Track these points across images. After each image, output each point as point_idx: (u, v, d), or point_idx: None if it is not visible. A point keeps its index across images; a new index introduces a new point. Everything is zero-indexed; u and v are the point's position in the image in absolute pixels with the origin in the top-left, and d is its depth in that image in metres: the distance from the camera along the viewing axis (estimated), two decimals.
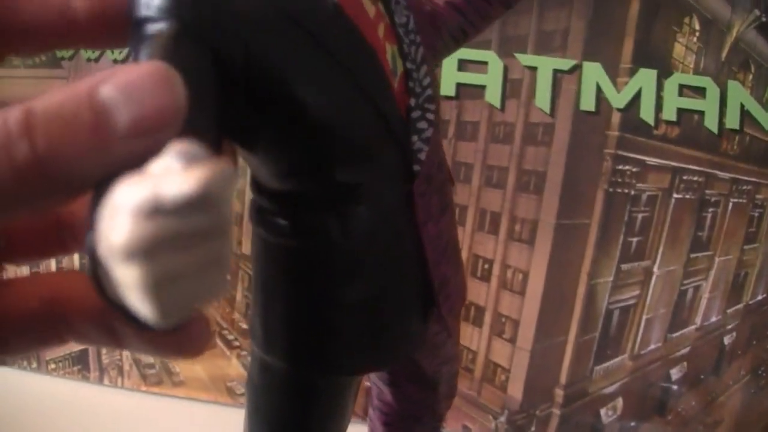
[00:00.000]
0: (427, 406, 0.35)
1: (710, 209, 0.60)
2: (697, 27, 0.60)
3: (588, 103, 0.58)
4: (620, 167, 0.59)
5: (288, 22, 0.21)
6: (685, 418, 0.61)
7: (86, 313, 0.18)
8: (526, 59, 0.59)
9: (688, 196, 0.60)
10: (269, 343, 0.28)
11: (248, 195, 0.27)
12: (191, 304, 0.13)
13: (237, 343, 0.63)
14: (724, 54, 0.60)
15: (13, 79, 0.64)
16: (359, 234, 0.25)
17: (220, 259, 0.13)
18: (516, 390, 0.60)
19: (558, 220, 0.59)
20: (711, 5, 0.60)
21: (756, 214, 0.60)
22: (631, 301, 0.60)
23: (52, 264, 0.57)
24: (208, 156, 0.13)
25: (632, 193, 0.59)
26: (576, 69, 0.58)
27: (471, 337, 0.60)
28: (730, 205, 0.60)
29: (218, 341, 0.64)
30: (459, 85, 0.59)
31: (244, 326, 0.63)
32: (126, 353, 0.63)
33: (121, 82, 0.14)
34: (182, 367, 0.63)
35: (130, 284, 0.12)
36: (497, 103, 0.59)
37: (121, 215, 0.12)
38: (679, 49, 0.59)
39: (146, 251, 0.11)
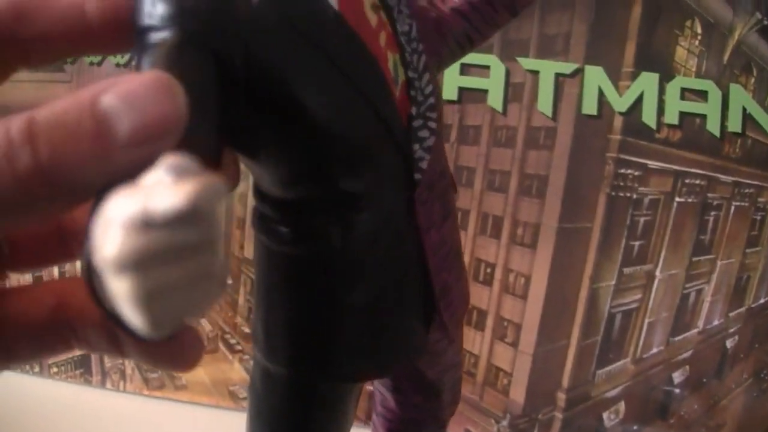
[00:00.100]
0: (430, 413, 0.35)
1: (712, 213, 0.60)
2: (699, 30, 0.60)
3: (590, 107, 0.58)
4: (622, 171, 0.59)
5: (289, 28, 0.21)
6: (688, 422, 0.61)
7: (90, 321, 0.18)
8: (528, 63, 0.59)
9: (690, 200, 0.60)
10: (271, 349, 0.28)
11: (251, 199, 0.27)
12: (182, 316, 0.13)
13: (239, 347, 0.63)
14: (725, 57, 0.60)
15: (15, 83, 0.64)
16: (361, 242, 0.25)
17: (211, 273, 0.13)
18: (518, 394, 0.60)
19: (560, 224, 0.59)
20: (713, 8, 0.60)
21: (758, 218, 0.60)
22: (634, 305, 0.60)
23: (55, 271, 0.57)
24: (200, 170, 0.13)
25: (634, 196, 0.59)
26: (578, 73, 0.58)
27: (473, 341, 0.60)
28: (733, 208, 0.60)
29: (221, 345, 0.64)
30: (461, 89, 0.59)
31: (247, 330, 0.63)
32: None
33: (123, 90, 0.14)
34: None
35: (122, 295, 0.12)
36: (499, 107, 0.59)
37: (113, 228, 0.12)
38: (680, 53, 0.59)
39: (137, 264, 0.12)
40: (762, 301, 0.61)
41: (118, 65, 0.63)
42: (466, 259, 0.59)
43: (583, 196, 0.59)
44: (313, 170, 0.24)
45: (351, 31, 0.23)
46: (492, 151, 0.59)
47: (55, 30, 0.18)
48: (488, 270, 0.60)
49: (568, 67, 0.58)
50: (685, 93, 0.59)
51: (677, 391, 0.60)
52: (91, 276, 0.13)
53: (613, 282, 0.59)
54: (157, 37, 0.19)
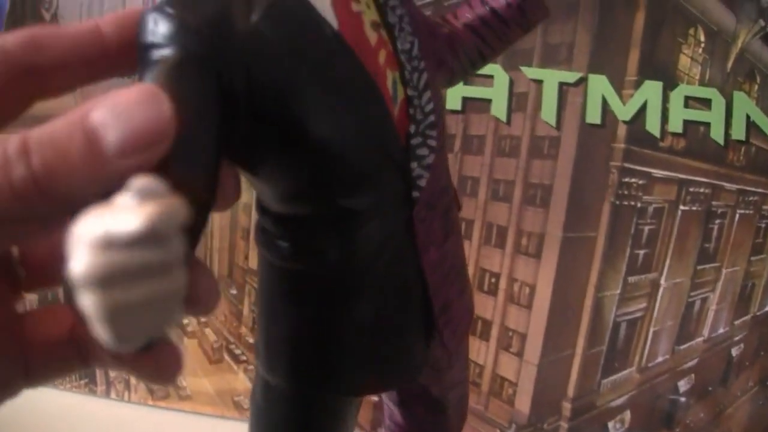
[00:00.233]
0: (437, 428, 0.35)
1: (717, 221, 0.60)
2: (702, 38, 0.60)
3: (594, 116, 0.58)
4: (626, 180, 0.59)
5: (288, 48, 0.21)
6: (693, 430, 0.60)
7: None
8: (531, 72, 0.59)
9: (694, 208, 0.59)
10: (271, 363, 0.28)
11: (255, 211, 0.27)
12: (146, 333, 0.14)
13: (244, 358, 0.63)
14: (729, 65, 0.60)
15: None
16: (360, 258, 0.25)
17: (172, 292, 0.13)
18: (523, 404, 0.60)
19: (564, 233, 0.58)
20: (716, 16, 0.60)
21: (763, 225, 0.60)
22: (639, 314, 0.60)
23: None
24: (166, 193, 0.13)
25: (639, 205, 0.59)
26: (582, 82, 0.58)
27: (478, 351, 0.60)
28: (737, 216, 0.60)
29: (225, 356, 0.63)
30: (465, 99, 0.59)
31: (251, 340, 0.63)
32: None
33: (110, 104, 0.15)
34: (189, 381, 0.63)
35: (88, 310, 0.13)
36: (503, 117, 0.59)
37: (79, 246, 0.13)
38: (684, 61, 0.59)
39: (100, 281, 0.12)
40: (767, 308, 0.60)
41: None
42: (471, 269, 0.58)
43: (588, 205, 0.59)
44: (311, 187, 0.24)
45: (349, 51, 0.23)
46: (496, 161, 0.59)
47: (72, 57, 0.19)
48: (493, 280, 0.60)
49: (571, 76, 0.58)
50: (688, 101, 0.59)
51: (683, 399, 0.60)
52: (69, 291, 0.14)
53: (618, 291, 0.59)
54: (158, 54, 0.19)
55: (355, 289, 0.26)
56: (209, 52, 0.20)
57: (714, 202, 0.60)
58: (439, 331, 0.28)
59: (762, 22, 0.60)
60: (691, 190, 0.59)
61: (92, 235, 0.12)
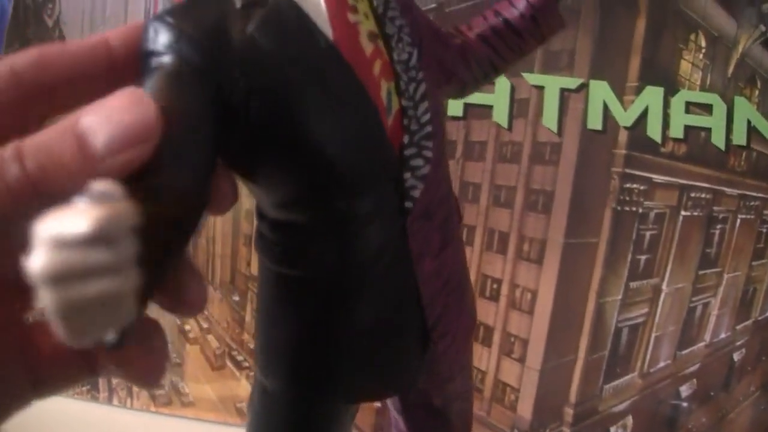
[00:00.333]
0: None
1: (718, 226, 0.60)
2: (703, 44, 0.60)
3: (595, 122, 0.58)
4: (628, 185, 0.59)
5: (282, 58, 0.22)
6: None
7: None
8: (533, 78, 0.59)
9: (696, 213, 0.60)
10: (268, 367, 0.28)
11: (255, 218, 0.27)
12: (100, 330, 0.14)
13: (246, 364, 0.63)
14: (730, 70, 0.60)
15: None
16: (356, 265, 0.25)
17: (123, 292, 0.14)
18: (525, 409, 0.60)
19: (566, 239, 0.59)
20: (716, 22, 0.60)
21: (764, 230, 0.60)
22: (640, 319, 0.60)
23: None
24: (120, 197, 0.14)
25: (640, 211, 0.59)
26: (583, 88, 0.59)
27: (480, 357, 0.60)
28: (738, 221, 0.60)
29: (228, 362, 0.64)
30: (466, 105, 0.59)
31: (254, 347, 0.63)
32: None
33: (98, 109, 0.16)
34: (192, 388, 0.63)
35: (44, 306, 0.14)
36: (504, 123, 0.59)
37: (36, 245, 0.13)
38: (685, 66, 0.59)
39: (53, 278, 0.13)
40: None
41: None
42: (473, 275, 0.59)
43: (589, 210, 0.59)
44: (307, 195, 0.24)
45: (342, 61, 0.23)
46: (497, 167, 0.60)
47: (78, 73, 0.19)
48: (494, 286, 0.60)
49: (573, 82, 0.59)
50: (689, 106, 0.59)
51: (685, 404, 0.60)
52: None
53: (620, 296, 0.59)
54: (157, 61, 0.20)
55: (351, 295, 0.26)
56: (206, 60, 0.20)
57: (715, 208, 0.60)
58: (433, 342, 0.28)
59: (763, 28, 0.60)
60: (693, 195, 0.59)
61: (46, 235, 0.13)
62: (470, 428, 0.36)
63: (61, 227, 0.13)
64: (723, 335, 0.60)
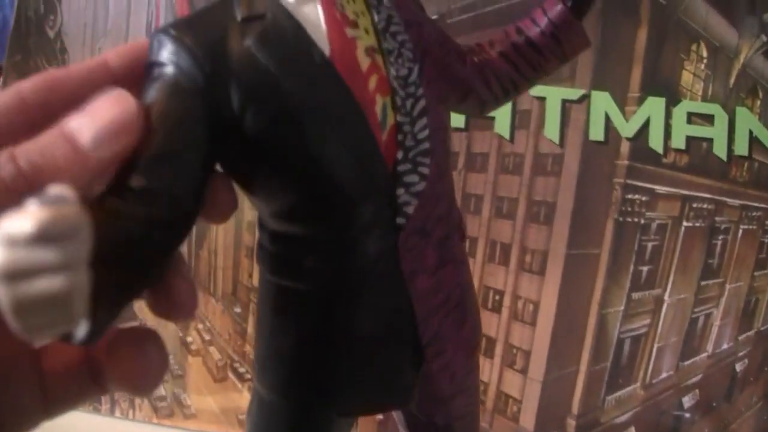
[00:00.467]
0: None
1: (720, 236, 0.60)
2: (705, 54, 0.60)
3: (597, 133, 0.58)
4: (630, 196, 0.59)
5: (278, 72, 0.22)
6: None
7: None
8: (534, 89, 0.59)
9: (698, 224, 0.60)
10: (265, 377, 0.28)
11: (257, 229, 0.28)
12: (53, 325, 0.15)
13: (248, 376, 0.63)
14: (731, 80, 0.60)
15: None
16: (349, 280, 0.26)
17: (72, 289, 0.15)
18: (528, 421, 0.60)
19: (568, 250, 0.59)
20: (718, 32, 0.60)
21: (766, 241, 0.60)
22: (643, 330, 0.60)
23: None
24: (69, 200, 0.15)
25: (642, 221, 0.59)
26: (584, 99, 0.59)
27: (482, 368, 0.60)
28: (740, 231, 0.60)
29: (230, 374, 0.63)
30: (468, 117, 0.59)
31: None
32: None
33: (84, 111, 0.18)
34: (194, 400, 0.63)
35: (1, 303, 0.14)
36: (506, 134, 0.59)
37: None
38: (686, 77, 0.60)
39: (4, 275, 0.14)
40: None
41: None
42: (475, 286, 0.59)
43: (591, 221, 0.59)
44: (302, 205, 0.25)
45: (336, 75, 0.23)
46: (499, 178, 0.60)
47: (81, 96, 0.20)
48: (497, 297, 0.60)
49: (574, 93, 0.59)
50: (691, 117, 0.59)
51: (687, 415, 0.60)
52: None
53: (622, 307, 0.59)
54: (158, 71, 0.21)
55: (346, 307, 0.26)
56: (203, 72, 0.21)
57: (717, 218, 0.60)
58: (427, 360, 0.28)
59: (764, 38, 0.60)
60: (695, 206, 0.59)
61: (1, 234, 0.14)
62: None
63: (10, 227, 0.14)
64: (725, 346, 0.60)
